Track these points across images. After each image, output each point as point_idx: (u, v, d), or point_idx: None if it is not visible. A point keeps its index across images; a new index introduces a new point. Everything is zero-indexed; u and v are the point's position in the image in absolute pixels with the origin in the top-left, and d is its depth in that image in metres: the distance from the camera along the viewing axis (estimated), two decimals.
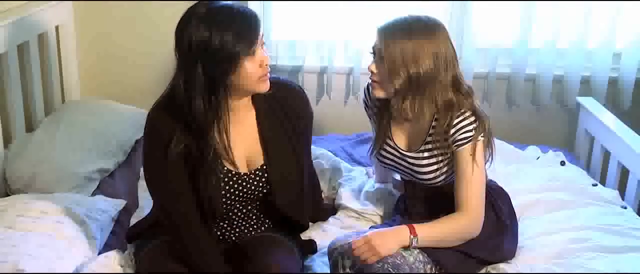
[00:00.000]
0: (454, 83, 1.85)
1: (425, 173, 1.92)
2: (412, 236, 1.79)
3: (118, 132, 2.68)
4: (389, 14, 2.79)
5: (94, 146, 2.52)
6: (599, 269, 1.88)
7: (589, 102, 2.82)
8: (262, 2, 2.96)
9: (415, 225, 1.82)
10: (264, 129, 1.88)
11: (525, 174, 2.51)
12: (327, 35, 2.99)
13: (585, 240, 2.02)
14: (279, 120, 1.90)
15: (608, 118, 2.66)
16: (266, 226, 2.00)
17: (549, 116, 3.11)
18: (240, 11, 1.72)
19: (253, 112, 1.88)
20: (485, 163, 1.89)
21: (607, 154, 2.64)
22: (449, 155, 1.88)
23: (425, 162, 1.91)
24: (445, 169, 1.91)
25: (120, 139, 2.66)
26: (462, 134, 1.83)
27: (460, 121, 1.84)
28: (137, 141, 2.76)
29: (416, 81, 1.81)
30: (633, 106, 3.01)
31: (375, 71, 1.86)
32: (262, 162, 1.88)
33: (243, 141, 1.87)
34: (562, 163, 2.61)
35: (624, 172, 2.50)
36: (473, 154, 1.83)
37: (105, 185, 2.45)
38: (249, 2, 2.89)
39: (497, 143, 2.74)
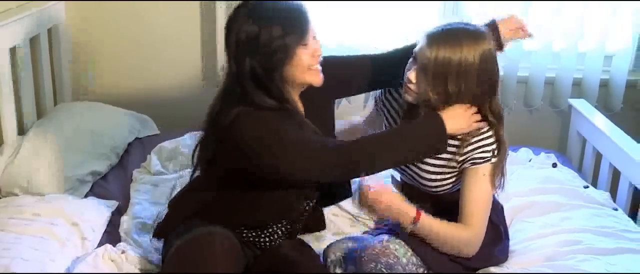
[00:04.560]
0: (491, 103, 1.82)
1: (429, 180, 1.90)
2: (414, 221, 1.78)
3: (111, 134, 2.67)
4: (382, 15, 2.87)
5: (87, 148, 2.51)
6: (590, 271, 1.89)
7: (580, 104, 2.83)
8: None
9: (423, 213, 1.80)
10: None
11: (518, 176, 2.52)
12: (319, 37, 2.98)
13: (577, 242, 2.03)
14: (315, 113, 1.91)
15: (600, 120, 2.67)
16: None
17: (541, 118, 3.13)
18: (287, 4, 1.75)
19: (302, 110, 1.90)
20: (497, 189, 1.87)
21: (598, 156, 2.65)
22: (457, 169, 1.86)
23: (432, 169, 1.88)
24: (451, 181, 1.89)
25: (113, 141, 2.65)
26: (479, 153, 1.81)
27: (481, 140, 1.82)
28: (130, 144, 2.76)
29: (455, 95, 1.78)
30: (624, 108, 3.03)
31: (414, 80, 1.79)
32: None
33: None
34: (554, 165, 2.62)
35: (616, 174, 2.51)
36: (486, 175, 1.81)
37: (98, 187, 2.44)
38: (241, 2, 2.89)
39: None
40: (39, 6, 2.67)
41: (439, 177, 1.88)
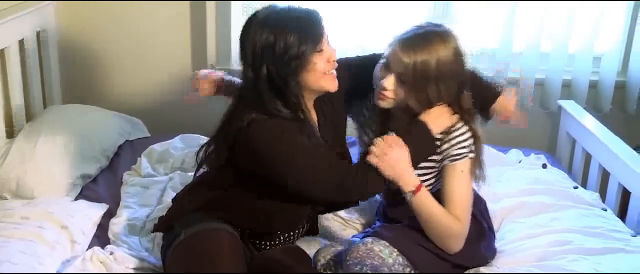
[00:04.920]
0: (460, 100, 1.84)
1: None
2: (412, 190, 1.78)
3: (101, 137, 2.66)
4: (371, 16, 2.87)
5: (77, 151, 2.50)
6: (579, 271, 1.90)
7: (570, 106, 2.85)
8: (244, 2, 2.96)
9: (423, 188, 1.79)
10: (322, 130, 1.91)
11: (508, 177, 2.53)
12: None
13: (566, 243, 2.04)
14: (330, 120, 1.94)
15: (589, 121, 2.69)
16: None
17: (531, 119, 3.12)
18: (300, 11, 1.77)
19: (315, 116, 1.92)
20: (476, 183, 1.89)
21: (588, 157, 2.67)
22: (436, 167, 1.87)
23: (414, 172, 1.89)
24: (431, 181, 1.90)
25: (103, 144, 2.64)
26: (456, 149, 1.82)
27: (457, 137, 1.83)
28: (120, 146, 2.75)
29: (436, 98, 1.79)
30: (613, 108, 3.04)
31: (391, 87, 1.79)
32: None
33: None
34: (544, 166, 2.63)
35: (605, 175, 2.53)
36: (464, 171, 1.82)
37: (88, 190, 2.43)
38: (231, 2, 2.89)
39: None
40: (28, 8, 2.66)
41: (422, 179, 1.88)
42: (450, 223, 1.81)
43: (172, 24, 3.02)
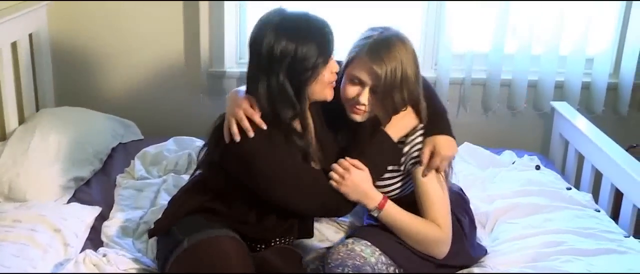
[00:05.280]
0: (419, 102, 1.85)
1: (378, 187, 1.89)
2: (377, 208, 1.81)
3: (94, 140, 2.65)
4: (366, 15, 2.86)
5: (70, 154, 2.49)
6: (572, 272, 1.90)
7: (562, 107, 2.86)
8: (237, 2, 2.96)
9: (389, 202, 1.82)
10: (318, 133, 1.92)
11: (501, 178, 2.54)
12: None
13: (560, 243, 2.05)
14: (326, 124, 1.95)
15: (581, 122, 2.70)
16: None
17: (524, 121, 3.15)
18: (317, 22, 1.76)
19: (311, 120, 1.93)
20: (448, 177, 1.90)
21: (581, 158, 2.67)
22: (402, 171, 1.89)
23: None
24: (399, 184, 1.91)
25: (96, 147, 2.64)
26: (416, 150, 1.84)
27: (415, 139, 1.85)
28: (113, 149, 2.75)
29: (401, 105, 1.81)
30: (605, 110, 3.05)
31: (366, 102, 1.79)
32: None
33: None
34: (537, 167, 2.64)
35: (598, 176, 2.54)
36: (432, 173, 1.83)
37: (81, 193, 2.43)
38: (225, 2, 2.89)
39: (473, 148, 2.80)
40: (21, 11, 2.64)
41: (387, 182, 1.90)
42: (427, 230, 1.82)
43: (165, 24, 3.01)
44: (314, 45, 1.73)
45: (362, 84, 1.79)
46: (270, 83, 1.75)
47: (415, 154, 1.84)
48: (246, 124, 1.75)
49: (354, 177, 1.79)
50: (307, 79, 1.75)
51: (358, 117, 1.84)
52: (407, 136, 1.86)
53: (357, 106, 1.81)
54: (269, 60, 1.73)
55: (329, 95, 1.83)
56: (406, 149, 1.85)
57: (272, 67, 1.73)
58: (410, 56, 1.78)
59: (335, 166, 1.81)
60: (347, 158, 1.81)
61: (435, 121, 1.88)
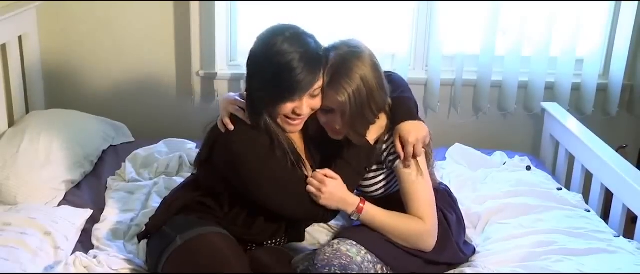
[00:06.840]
0: (385, 103, 1.87)
1: (363, 186, 1.95)
2: (356, 212, 1.84)
3: (84, 142, 2.64)
4: (356, 16, 2.86)
5: (60, 156, 2.48)
6: (563, 272, 1.91)
7: (553, 108, 2.87)
8: (228, 2, 2.96)
9: (367, 204, 1.85)
10: (306, 143, 1.97)
11: (492, 179, 2.55)
12: None
13: (550, 243, 2.06)
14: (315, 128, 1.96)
15: (572, 123, 2.71)
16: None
17: (515, 122, 3.16)
18: (280, 66, 1.74)
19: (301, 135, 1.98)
20: (429, 168, 1.93)
21: (571, 159, 2.69)
22: (384, 169, 1.92)
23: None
24: (382, 182, 1.94)
25: (86, 149, 2.62)
26: (392, 147, 1.87)
27: (389, 139, 1.88)
28: (104, 151, 2.74)
29: (372, 116, 1.84)
30: (595, 110, 3.07)
31: (340, 125, 1.83)
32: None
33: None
34: (528, 168, 2.65)
35: (588, 176, 2.55)
36: (413, 168, 1.85)
37: (72, 196, 2.41)
38: (216, 2, 2.88)
39: (464, 149, 2.81)
40: (9, 13, 2.63)
41: (371, 182, 1.94)
42: (410, 225, 1.85)
43: (156, 26, 3.01)
44: (269, 82, 1.75)
45: (332, 111, 1.82)
46: (246, 88, 1.83)
47: (393, 150, 1.86)
48: (227, 120, 1.81)
49: (330, 188, 1.82)
50: (262, 103, 1.79)
51: (338, 137, 1.88)
52: (383, 134, 1.89)
53: (334, 132, 1.86)
54: (271, 73, 1.76)
55: (286, 129, 1.85)
56: (384, 147, 1.88)
57: (247, 76, 1.81)
58: (369, 68, 1.78)
59: (310, 179, 1.84)
60: (318, 170, 1.85)
61: (397, 110, 1.89)
